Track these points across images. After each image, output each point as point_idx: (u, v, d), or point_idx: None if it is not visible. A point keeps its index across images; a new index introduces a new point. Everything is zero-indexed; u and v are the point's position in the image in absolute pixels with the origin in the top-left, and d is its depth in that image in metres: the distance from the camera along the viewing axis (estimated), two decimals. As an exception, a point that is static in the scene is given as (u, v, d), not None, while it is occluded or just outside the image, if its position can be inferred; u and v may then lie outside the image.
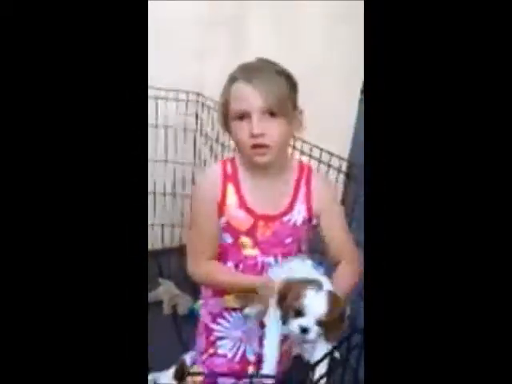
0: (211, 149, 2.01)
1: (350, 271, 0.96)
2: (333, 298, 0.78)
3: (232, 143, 0.99)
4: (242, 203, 0.96)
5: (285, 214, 0.97)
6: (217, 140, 1.93)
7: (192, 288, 1.93)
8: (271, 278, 0.89)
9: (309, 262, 0.92)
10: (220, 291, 1.04)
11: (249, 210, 0.96)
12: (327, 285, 0.81)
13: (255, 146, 0.88)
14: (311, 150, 1.54)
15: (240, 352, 1.06)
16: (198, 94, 1.98)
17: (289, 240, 0.98)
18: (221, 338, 1.07)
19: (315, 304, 0.77)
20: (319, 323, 0.77)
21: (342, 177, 1.56)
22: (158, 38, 1.60)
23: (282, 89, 0.87)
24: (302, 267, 0.89)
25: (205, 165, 2.05)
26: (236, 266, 1.00)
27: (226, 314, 1.05)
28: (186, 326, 1.74)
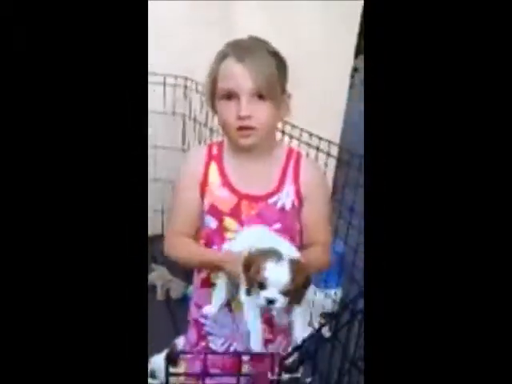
0: (200, 133, 2.00)
1: (320, 255, 0.95)
2: (295, 266, 0.77)
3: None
4: (226, 182, 0.94)
5: (271, 195, 0.94)
6: (205, 125, 1.92)
7: (184, 273, 1.95)
8: (237, 253, 0.85)
9: (271, 232, 0.90)
10: (207, 282, 1.02)
11: (232, 189, 0.94)
12: (291, 251, 0.80)
13: (241, 128, 0.86)
14: (300, 134, 1.54)
15: (232, 349, 1.05)
16: (186, 79, 1.96)
17: (277, 226, 0.94)
18: (211, 334, 1.06)
19: (276, 276, 0.76)
20: (284, 292, 0.77)
21: (331, 161, 1.57)
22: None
23: (272, 71, 0.85)
24: (263, 236, 0.87)
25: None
26: None
27: None
28: (179, 311, 1.76)
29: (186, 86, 1.98)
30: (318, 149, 1.50)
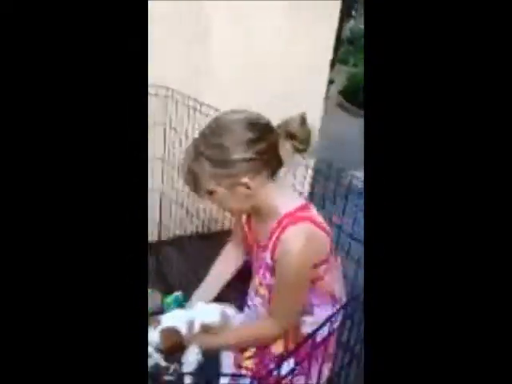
0: (180, 143, 2.01)
1: (261, 327, 1.09)
2: (164, 335, 0.96)
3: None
4: (248, 223, 1.17)
5: (264, 248, 1.05)
6: (186, 134, 1.94)
7: (165, 283, 1.95)
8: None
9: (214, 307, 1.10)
10: None
11: (248, 234, 1.17)
12: (168, 321, 0.99)
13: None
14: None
15: None
16: (168, 89, 1.97)
17: (267, 276, 1.06)
18: None
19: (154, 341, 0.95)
20: (161, 351, 0.97)
21: (310, 173, 1.62)
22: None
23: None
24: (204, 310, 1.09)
25: (174, 158, 2.04)
26: None
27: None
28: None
29: (166, 96, 1.99)
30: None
